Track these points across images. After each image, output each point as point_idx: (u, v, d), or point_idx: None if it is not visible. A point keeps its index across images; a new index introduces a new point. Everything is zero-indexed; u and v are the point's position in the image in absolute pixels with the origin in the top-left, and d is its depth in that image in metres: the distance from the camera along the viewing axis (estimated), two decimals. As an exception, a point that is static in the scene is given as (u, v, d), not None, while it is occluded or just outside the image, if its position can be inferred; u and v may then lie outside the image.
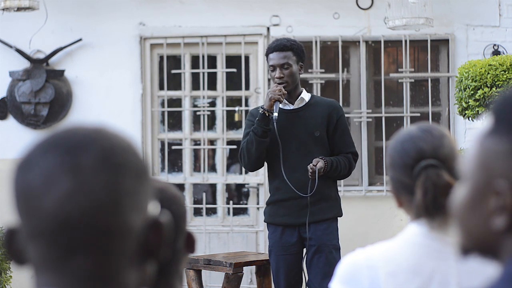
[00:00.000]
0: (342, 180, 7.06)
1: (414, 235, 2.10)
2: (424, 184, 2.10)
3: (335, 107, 4.95)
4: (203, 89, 7.37)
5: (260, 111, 4.78)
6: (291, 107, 4.90)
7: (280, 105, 4.82)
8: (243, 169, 7.35)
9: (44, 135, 1.17)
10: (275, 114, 4.75)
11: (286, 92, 4.81)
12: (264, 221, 5.06)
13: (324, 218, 4.86)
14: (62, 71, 7.35)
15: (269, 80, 7.31)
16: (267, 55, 4.93)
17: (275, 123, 4.76)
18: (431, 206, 2.09)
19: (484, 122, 1.22)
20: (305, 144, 4.84)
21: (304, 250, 4.94)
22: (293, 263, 4.89)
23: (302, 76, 7.26)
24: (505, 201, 1.15)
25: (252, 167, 4.93)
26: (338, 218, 4.98)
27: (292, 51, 4.87)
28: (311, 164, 4.74)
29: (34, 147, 1.15)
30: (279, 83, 4.84)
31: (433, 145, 2.14)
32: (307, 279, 4.93)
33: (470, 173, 1.21)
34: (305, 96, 4.95)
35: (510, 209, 1.15)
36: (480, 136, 1.21)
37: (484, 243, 1.19)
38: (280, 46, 4.88)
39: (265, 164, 5.01)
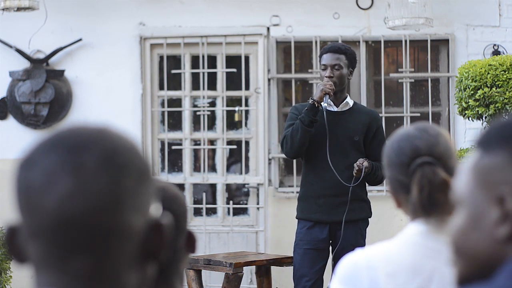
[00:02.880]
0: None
1: (413, 235, 2.11)
2: (419, 181, 2.11)
3: (375, 117, 5.20)
4: (203, 89, 7.37)
5: (309, 102, 4.95)
6: (335, 109, 5.08)
7: (325, 105, 4.96)
8: (243, 169, 7.35)
9: (47, 134, 1.16)
10: (325, 104, 4.92)
11: (334, 89, 5.00)
12: (296, 218, 5.16)
13: (356, 218, 5.06)
14: (62, 71, 7.35)
15: (269, 80, 7.31)
16: (321, 55, 5.13)
17: (324, 113, 4.93)
18: (427, 203, 2.10)
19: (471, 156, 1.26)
20: (344, 146, 5.03)
21: (330, 248, 5.06)
22: (318, 258, 5.02)
23: (302, 76, 7.30)
24: (508, 207, 1.17)
25: (293, 154, 5.07)
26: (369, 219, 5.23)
27: (345, 55, 5.08)
28: (358, 162, 4.93)
29: (37, 146, 1.15)
30: None
31: (428, 143, 2.16)
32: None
33: (467, 196, 1.24)
34: (350, 101, 5.15)
35: None
36: (471, 162, 1.24)
37: (486, 260, 1.20)
38: (335, 48, 5.10)
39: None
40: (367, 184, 5.19)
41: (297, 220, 5.17)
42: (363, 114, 5.15)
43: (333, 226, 5.01)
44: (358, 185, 5.00)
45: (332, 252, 5.03)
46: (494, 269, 1.19)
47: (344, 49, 5.10)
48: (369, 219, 5.24)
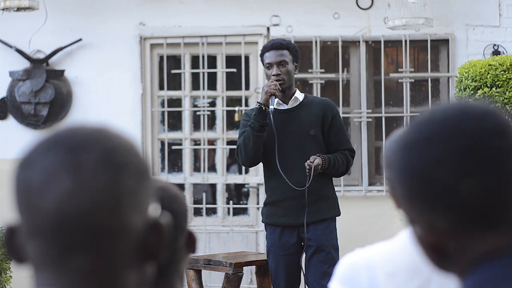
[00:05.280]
0: (342, 180, 7.07)
1: (413, 234, 2.11)
2: None
3: (329, 105, 5.00)
4: (203, 89, 7.37)
5: (256, 106, 4.81)
6: (285, 107, 4.94)
7: (275, 106, 4.83)
8: (243, 169, 7.35)
9: (46, 134, 1.17)
10: (272, 107, 4.76)
11: (280, 89, 4.85)
12: (262, 222, 5.06)
13: (323, 218, 4.88)
14: (62, 71, 7.35)
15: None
16: (262, 54, 4.97)
17: (271, 116, 4.78)
18: None
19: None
20: (301, 143, 4.86)
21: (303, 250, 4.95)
22: (292, 263, 4.90)
23: (302, 76, 7.29)
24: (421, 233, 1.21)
25: (250, 163, 4.93)
26: (337, 217, 5.01)
27: (288, 50, 4.92)
28: (308, 161, 4.76)
29: (36, 145, 1.15)
30: (275, 80, 4.88)
31: None
32: (305, 279, 4.93)
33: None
34: (299, 95, 4.99)
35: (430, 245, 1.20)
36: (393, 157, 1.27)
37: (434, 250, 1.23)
38: (277, 44, 4.93)
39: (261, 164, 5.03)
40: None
41: (264, 224, 5.06)
42: (315, 105, 4.96)
43: (302, 228, 4.86)
44: (322, 183, 4.84)
45: (304, 253, 4.91)
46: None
47: (286, 44, 4.94)
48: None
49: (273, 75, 4.86)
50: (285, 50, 4.91)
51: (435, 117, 1.20)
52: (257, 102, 4.82)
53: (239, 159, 4.92)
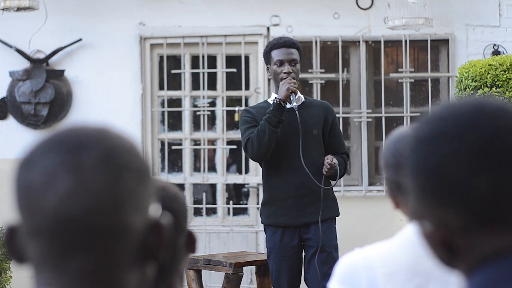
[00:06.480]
0: (342, 180, 7.07)
1: (411, 234, 2.11)
2: None
3: (329, 108, 5.03)
4: (203, 89, 7.37)
5: (275, 101, 4.75)
6: (288, 105, 4.91)
7: (295, 105, 4.80)
8: (243, 169, 7.35)
9: (47, 134, 1.17)
10: (295, 104, 4.75)
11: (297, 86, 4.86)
12: (262, 223, 5.02)
13: (323, 218, 4.86)
14: (62, 71, 7.35)
15: (269, 80, 7.30)
16: (271, 50, 4.91)
17: (297, 112, 4.75)
18: None
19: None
20: (304, 142, 4.84)
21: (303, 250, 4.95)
22: (294, 263, 4.88)
23: (302, 76, 7.29)
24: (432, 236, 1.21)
25: (261, 157, 4.83)
26: (336, 218, 5.00)
27: (298, 50, 4.93)
28: (328, 160, 4.74)
29: (37, 145, 1.15)
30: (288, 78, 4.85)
31: None
32: (305, 279, 4.93)
33: None
34: (301, 95, 4.98)
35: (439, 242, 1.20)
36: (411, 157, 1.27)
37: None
38: (290, 42, 4.91)
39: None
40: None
41: (263, 225, 5.01)
42: (316, 106, 4.97)
43: (303, 229, 4.85)
44: (322, 183, 4.81)
45: (304, 252, 4.90)
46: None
47: (296, 44, 4.93)
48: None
49: (285, 73, 4.82)
50: (295, 49, 4.90)
51: (450, 113, 1.19)
52: (276, 98, 4.77)
53: (249, 152, 4.82)
